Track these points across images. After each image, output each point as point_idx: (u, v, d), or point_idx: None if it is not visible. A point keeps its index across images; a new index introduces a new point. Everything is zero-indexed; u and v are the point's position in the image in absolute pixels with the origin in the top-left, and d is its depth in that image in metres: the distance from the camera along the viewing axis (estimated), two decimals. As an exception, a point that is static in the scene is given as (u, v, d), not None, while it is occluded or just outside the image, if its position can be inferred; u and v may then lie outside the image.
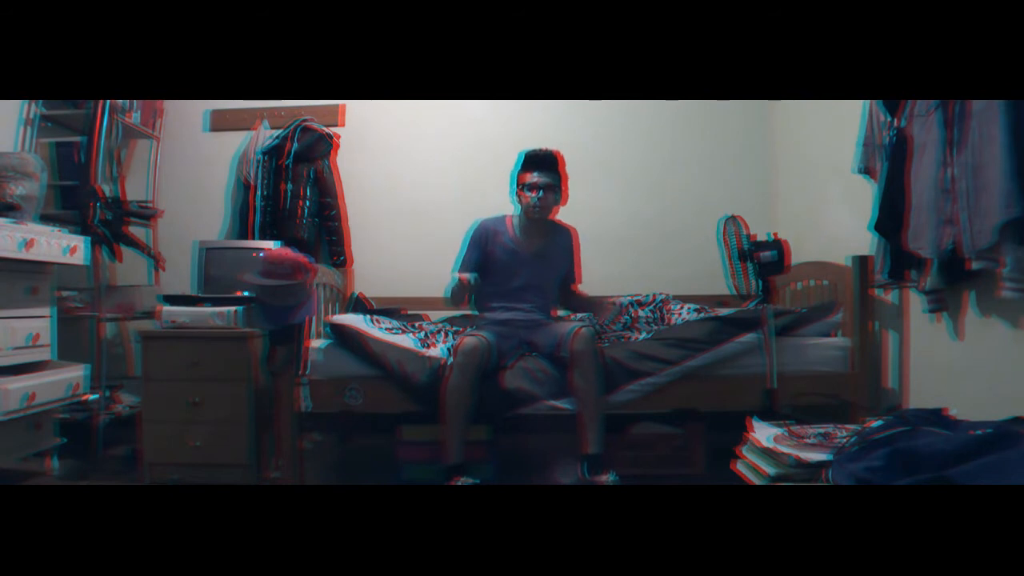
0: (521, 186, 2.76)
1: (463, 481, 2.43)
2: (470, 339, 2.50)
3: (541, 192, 2.72)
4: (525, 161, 2.78)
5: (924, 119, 2.15)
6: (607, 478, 2.39)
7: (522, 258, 2.80)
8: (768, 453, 1.82)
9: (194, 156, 3.74)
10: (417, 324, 2.97)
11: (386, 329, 2.72)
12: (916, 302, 2.42)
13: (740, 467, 1.98)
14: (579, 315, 3.12)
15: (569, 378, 2.49)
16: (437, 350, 2.60)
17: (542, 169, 2.74)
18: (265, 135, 3.57)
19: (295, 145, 3.48)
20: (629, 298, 3.22)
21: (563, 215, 2.92)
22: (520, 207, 2.79)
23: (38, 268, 2.70)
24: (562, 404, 2.51)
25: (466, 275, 2.60)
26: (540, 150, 2.77)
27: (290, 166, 3.47)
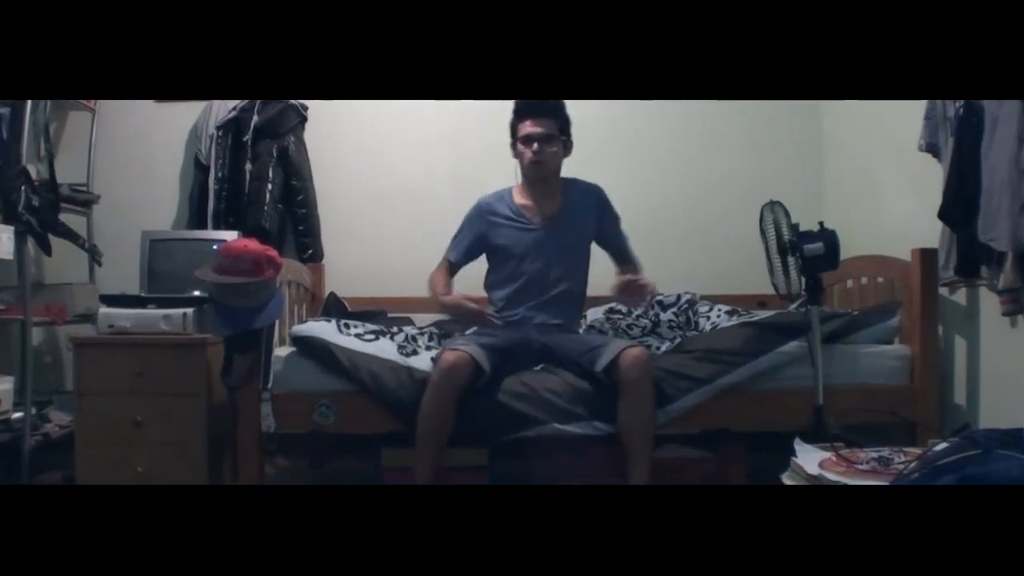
0: (516, 139, 2.70)
1: None
2: (450, 355, 2.41)
3: (537, 144, 2.64)
4: (517, 107, 2.71)
5: (999, 87, 2.15)
6: None
7: (532, 229, 2.72)
8: (814, 482, 1.82)
9: (139, 131, 3.73)
10: (396, 328, 2.92)
11: (357, 335, 2.67)
12: (990, 303, 2.42)
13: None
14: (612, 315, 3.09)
15: (617, 409, 2.42)
16: (421, 359, 2.57)
17: (539, 115, 2.65)
18: (223, 106, 3.57)
19: (258, 118, 3.48)
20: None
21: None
22: (518, 166, 2.73)
23: (-45, 263, 2.71)
24: (572, 428, 2.47)
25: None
26: None
27: (252, 143, 3.47)
